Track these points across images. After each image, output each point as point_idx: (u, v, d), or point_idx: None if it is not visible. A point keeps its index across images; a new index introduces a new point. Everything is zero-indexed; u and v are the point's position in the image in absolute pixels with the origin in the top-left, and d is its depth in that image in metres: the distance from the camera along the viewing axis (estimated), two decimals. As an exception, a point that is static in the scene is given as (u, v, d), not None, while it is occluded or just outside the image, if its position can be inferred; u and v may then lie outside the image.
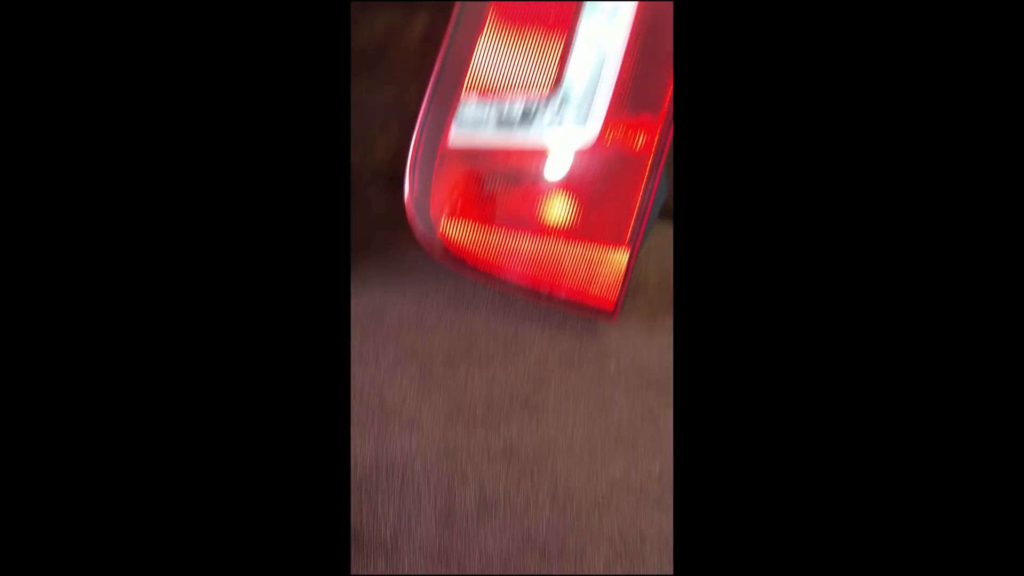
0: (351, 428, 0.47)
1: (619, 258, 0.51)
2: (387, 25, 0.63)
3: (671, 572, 0.46)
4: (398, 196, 0.54)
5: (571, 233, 0.52)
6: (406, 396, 0.49)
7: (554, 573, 0.44)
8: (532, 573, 0.44)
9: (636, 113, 0.49)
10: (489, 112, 0.50)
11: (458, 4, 0.49)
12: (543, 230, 0.52)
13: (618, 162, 0.50)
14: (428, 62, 0.57)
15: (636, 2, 0.48)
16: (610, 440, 0.49)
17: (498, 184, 0.52)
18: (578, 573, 0.45)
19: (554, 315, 0.56)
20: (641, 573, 0.46)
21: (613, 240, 0.51)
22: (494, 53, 0.49)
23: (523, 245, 0.53)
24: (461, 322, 0.54)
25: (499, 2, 0.48)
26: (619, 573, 0.46)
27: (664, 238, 0.67)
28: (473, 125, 0.50)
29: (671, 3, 0.49)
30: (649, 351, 0.55)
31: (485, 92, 0.49)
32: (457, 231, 0.52)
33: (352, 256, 0.58)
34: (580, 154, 0.50)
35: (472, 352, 0.52)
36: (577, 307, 0.54)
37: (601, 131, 0.49)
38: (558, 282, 0.53)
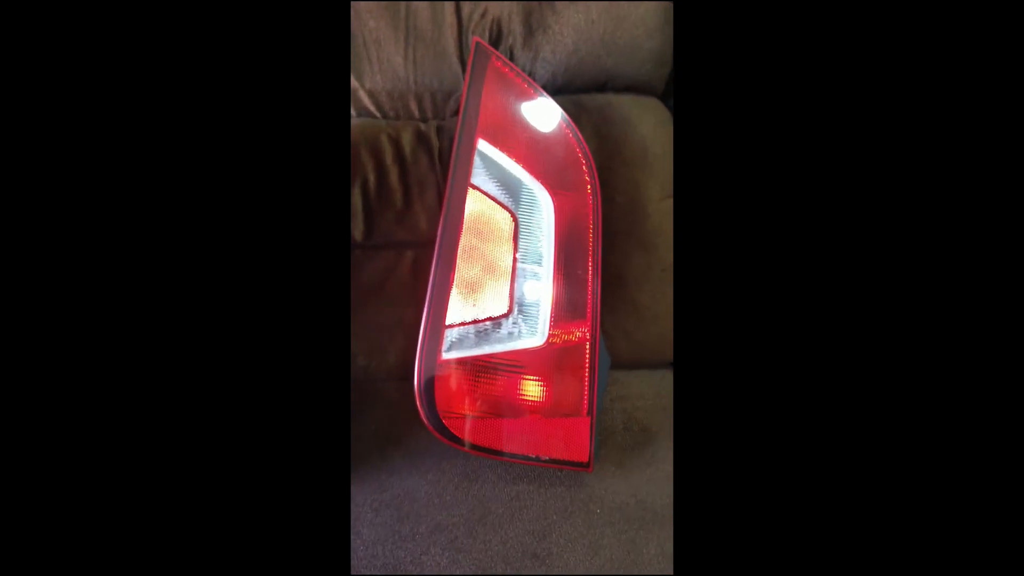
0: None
1: (582, 424, 0.67)
2: (384, 263, 0.84)
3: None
4: (410, 390, 0.70)
5: (544, 411, 0.68)
6: (440, 564, 0.61)
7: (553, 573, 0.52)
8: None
9: (571, 316, 0.68)
10: (468, 332, 0.68)
11: (435, 252, 0.68)
12: (523, 411, 0.68)
13: (565, 354, 0.67)
14: (418, 287, 0.76)
15: (553, 212, 0.68)
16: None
17: (482, 381, 0.69)
18: (578, 573, 0.52)
19: (547, 473, 0.70)
20: (641, 573, 0.54)
21: (574, 411, 0.67)
22: (464, 292, 0.68)
23: (509, 425, 0.68)
24: (474, 491, 0.68)
25: (464, 248, 0.68)
26: (619, 573, 0.54)
27: (628, 388, 0.83)
28: (458, 343, 0.68)
29: (585, 196, 0.69)
30: (625, 490, 0.69)
31: (463, 317, 0.68)
32: (457, 419, 0.68)
33: (382, 447, 0.73)
34: (536, 353, 0.67)
35: (487, 517, 0.66)
36: (561, 464, 0.68)
37: (548, 335, 0.67)
38: (542, 449, 0.68)
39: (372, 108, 0.90)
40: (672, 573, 0.55)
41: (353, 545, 0.61)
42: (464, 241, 0.67)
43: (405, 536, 0.62)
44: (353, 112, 0.90)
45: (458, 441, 0.68)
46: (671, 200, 0.90)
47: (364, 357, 0.82)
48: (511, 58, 0.92)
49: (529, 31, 0.90)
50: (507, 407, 0.68)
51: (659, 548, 0.63)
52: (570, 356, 0.68)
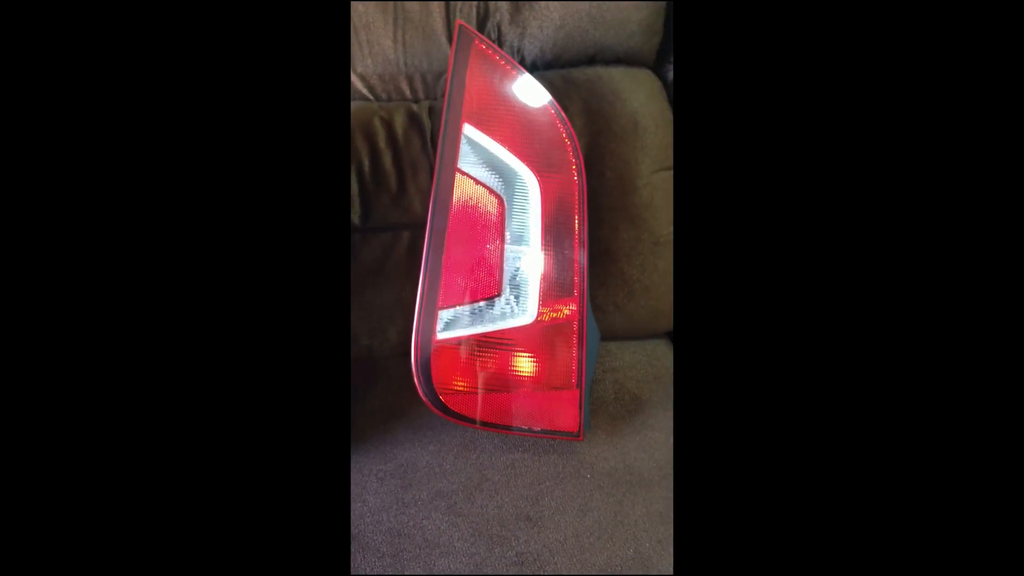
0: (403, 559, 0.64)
1: (572, 395, 0.71)
2: (382, 246, 0.87)
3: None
4: (408, 366, 0.74)
5: (535, 384, 0.72)
6: (439, 527, 0.66)
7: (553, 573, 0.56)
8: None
9: (559, 294, 0.70)
10: (460, 313, 0.71)
11: (426, 236, 0.71)
12: (516, 385, 0.72)
13: (554, 330, 0.70)
14: (415, 267, 0.80)
15: (539, 190, 0.70)
16: (594, 536, 0.65)
17: (476, 359, 0.72)
18: (578, 573, 0.57)
19: (540, 442, 0.75)
20: (641, 573, 0.59)
21: (565, 384, 0.71)
22: (455, 271, 0.71)
23: (503, 399, 0.72)
24: (472, 460, 0.73)
25: (455, 230, 0.70)
26: (620, 573, 0.58)
27: (619, 360, 0.86)
28: (452, 323, 0.71)
29: (570, 177, 0.71)
30: (615, 456, 0.73)
31: (455, 299, 0.71)
32: (454, 395, 0.72)
33: (386, 420, 0.78)
34: (526, 329, 0.70)
35: (484, 484, 0.70)
36: (553, 434, 0.72)
37: (538, 313, 0.70)
38: (535, 420, 0.72)
39: (364, 91, 0.92)
40: (671, 574, 0.57)
41: (359, 512, 0.66)
42: (453, 225, 0.70)
43: (407, 503, 0.67)
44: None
45: (455, 415, 0.72)
46: (663, 173, 0.90)
47: (367, 337, 0.86)
48: (498, 36, 0.92)
49: (515, 7, 0.90)
50: (501, 382, 0.72)
51: (645, 509, 0.67)
52: (559, 332, 0.71)
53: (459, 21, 0.72)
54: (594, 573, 0.61)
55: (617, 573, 0.61)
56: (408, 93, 0.93)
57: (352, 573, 0.60)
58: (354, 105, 0.91)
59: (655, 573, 0.61)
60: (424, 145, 0.88)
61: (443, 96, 0.92)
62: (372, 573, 0.61)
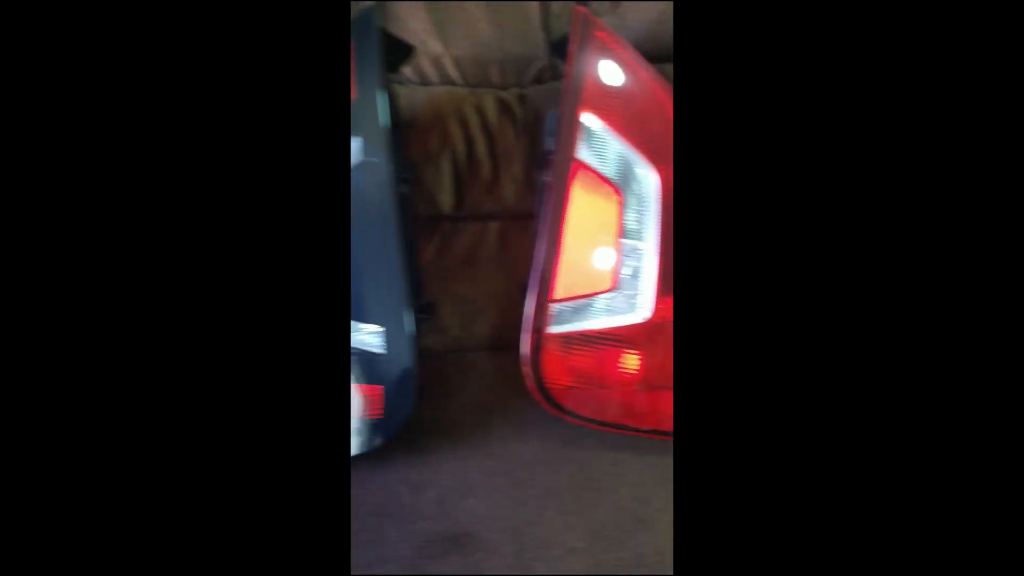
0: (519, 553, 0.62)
1: (687, 396, 0.69)
2: (471, 237, 0.85)
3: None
4: (502, 360, 0.72)
5: (645, 383, 0.70)
6: (555, 527, 0.65)
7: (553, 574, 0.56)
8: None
9: (669, 292, 0.69)
10: (572, 307, 0.69)
11: (540, 228, 0.68)
12: (622, 384, 0.70)
13: (666, 330, 0.69)
14: (506, 258, 0.77)
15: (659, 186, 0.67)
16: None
17: (586, 354, 0.70)
18: (578, 573, 0.56)
19: (641, 442, 0.73)
20: (641, 573, 0.58)
21: (671, 385, 0.69)
22: (569, 264, 0.69)
23: (611, 395, 0.71)
24: (576, 457, 0.71)
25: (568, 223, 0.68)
26: (619, 573, 0.57)
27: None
28: (562, 318, 0.69)
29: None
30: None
31: (567, 292, 0.69)
32: (562, 390, 0.70)
33: (483, 415, 0.76)
34: (638, 328, 0.69)
35: (589, 482, 0.69)
36: (659, 435, 0.71)
37: (650, 311, 0.68)
38: (639, 419, 0.71)
39: (455, 75, 0.89)
40: (671, 574, 0.53)
41: (470, 508, 0.65)
42: (568, 217, 0.68)
43: (520, 500, 0.66)
44: (436, 79, 0.89)
45: (562, 410, 0.71)
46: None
47: (457, 328, 0.85)
48: (598, 23, 0.89)
49: (617, -2, 0.88)
50: (610, 379, 0.70)
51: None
52: (670, 332, 0.69)
53: (577, 6, 0.70)
54: (602, 573, 0.59)
55: (628, 573, 0.59)
56: (496, 78, 0.91)
57: (462, 574, 0.59)
58: (442, 90, 0.89)
59: (666, 574, 0.59)
60: (517, 134, 0.86)
61: (535, 81, 0.90)
62: (487, 574, 0.59)
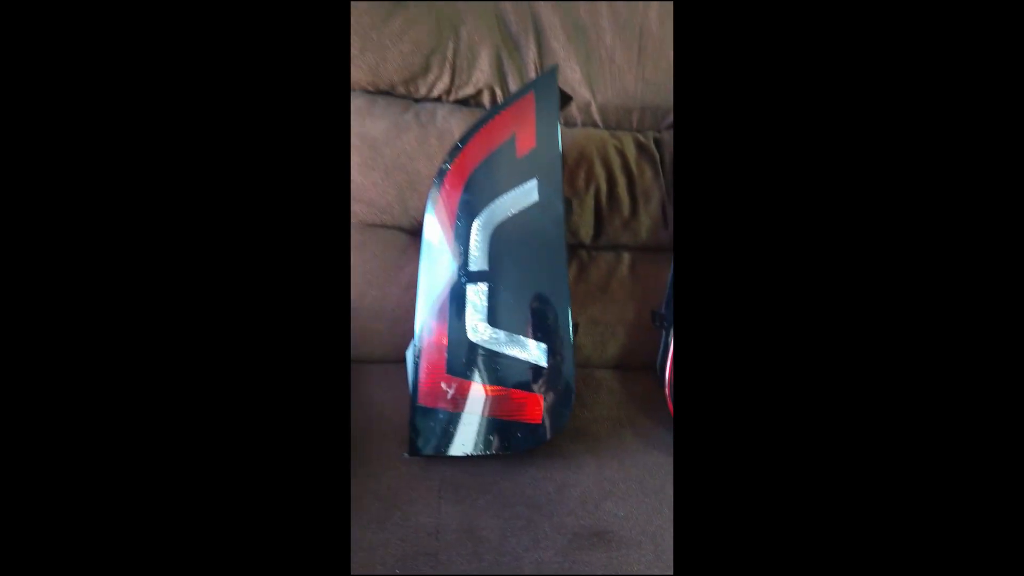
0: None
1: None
2: (607, 265, 0.94)
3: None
4: (625, 380, 0.79)
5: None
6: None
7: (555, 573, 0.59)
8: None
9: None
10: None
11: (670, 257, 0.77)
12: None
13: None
14: (637, 287, 0.85)
15: None
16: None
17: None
18: (579, 573, 0.59)
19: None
20: (642, 573, 0.60)
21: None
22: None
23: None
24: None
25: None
26: (620, 573, 0.59)
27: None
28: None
29: None
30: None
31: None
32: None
33: (615, 428, 0.84)
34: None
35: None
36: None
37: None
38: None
39: (597, 119, 0.98)
40: (672, 574, 0.55)
41: (609, 510, 0.72)
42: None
43: (652, 507, 0.73)
44: (579, 121, 0.99)
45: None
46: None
47: (589, 348, 0.93)
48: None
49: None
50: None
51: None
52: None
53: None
54: (603, 573, 0.61)
55: (633, 573, 0.61)
56: (635, 124, 1.00)
57: (592, 573, 0.64)
58: (585, 131, 0.98)
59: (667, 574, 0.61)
60: (656, 174, 0.94)
61: (670, 127, 0.98)
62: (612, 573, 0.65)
